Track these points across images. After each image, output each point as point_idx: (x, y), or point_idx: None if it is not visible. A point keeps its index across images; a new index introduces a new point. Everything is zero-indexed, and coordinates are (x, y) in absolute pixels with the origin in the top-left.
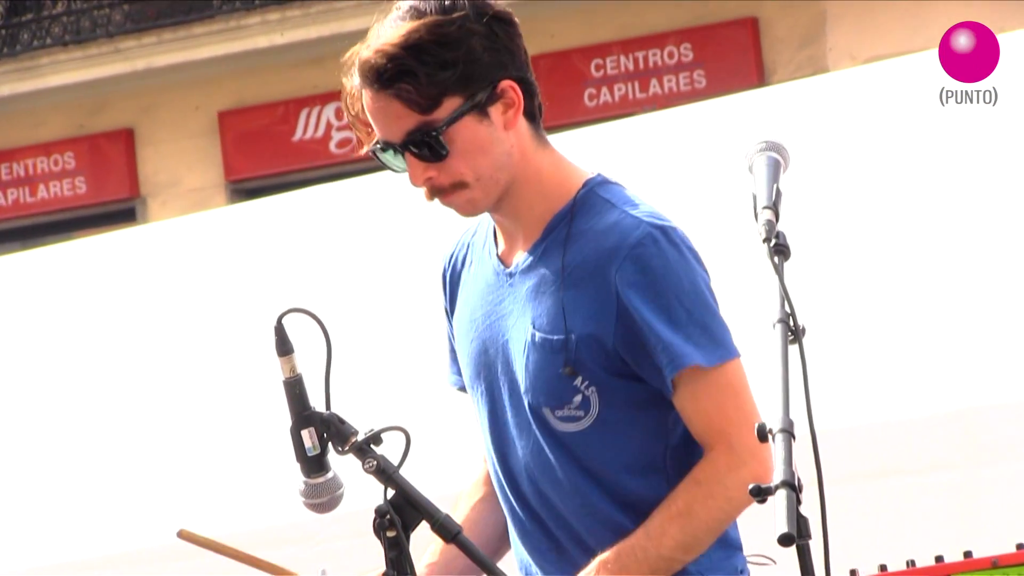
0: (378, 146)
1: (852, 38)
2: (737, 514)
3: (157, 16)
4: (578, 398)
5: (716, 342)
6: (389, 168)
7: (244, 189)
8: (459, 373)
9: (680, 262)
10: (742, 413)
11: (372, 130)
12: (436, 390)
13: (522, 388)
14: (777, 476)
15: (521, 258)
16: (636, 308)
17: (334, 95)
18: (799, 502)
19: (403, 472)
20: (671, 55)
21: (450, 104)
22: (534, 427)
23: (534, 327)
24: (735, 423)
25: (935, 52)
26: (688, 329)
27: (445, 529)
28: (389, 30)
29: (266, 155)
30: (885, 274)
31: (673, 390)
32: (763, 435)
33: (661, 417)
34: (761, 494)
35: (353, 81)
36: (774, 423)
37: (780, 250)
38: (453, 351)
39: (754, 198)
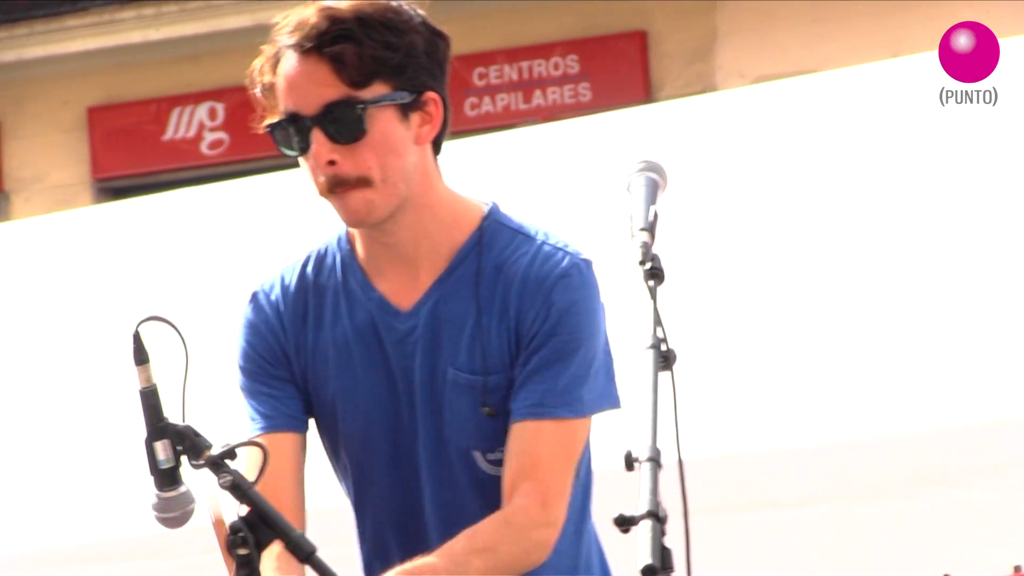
0: (284, 118)
1: (742, 56)
2: (522, 571)
3: (29, 7)
4: None
5: (592, 394)
6: (283, 148)
7: (111, 188)
8: (267, 418)
9: (595, 301)
10: (565, 476)
11: (275, 106)
12: None
13: (446, 432)
14: (642, 506)
15: (423, 296)
16: (546, 336)
17: (208, 94)
18: (664, 533)
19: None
20: (556, 66)
21: (379, 88)
22: (457, 471)
23: (455, 368)
24: (557, 483)
25: (829, 73)
26: (582, 371)
27: (299, 548)
28: (335, 2)
29: (135, 153)
30: (760, 298)
31: (518, 419)
32: (630, 463)
33: (581, 459)
34: (625, 524)
35: (281, 44)
36: (641, 451)
37: (654, 273)
38: (260, 397)
39: (631, 219)
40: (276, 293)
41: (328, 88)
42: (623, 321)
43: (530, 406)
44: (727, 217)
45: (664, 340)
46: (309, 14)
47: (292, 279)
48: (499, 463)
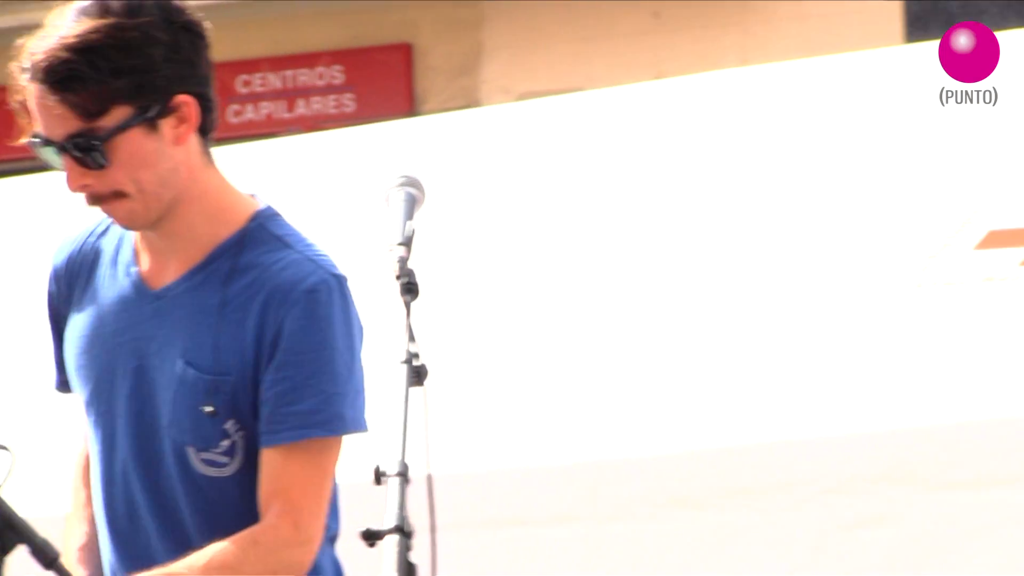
0: (38, 140)
1: (507, 72)
2: None
3: None
4: (226, 443)
5: (351, 411)
6: (47, 163)
7: None
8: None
9: (346, 318)
10: (320, 496)
11: (31, 122)
12: (43, 407)
13: (163, 422)
14: (389, 520)
15: (173, 282)
16: (292, 353)
17: None
18: (410, 548)
19: (2, 493)
20: (321, 76)
21: (118, 113)
22: (169, 464)
23: (185, 361)
24: (311, 503)
25: (593, 92)
26: (335, 389)
27: (43, 554)
28: (68, 25)
29: None
30: (514, 315)
31: (269, 444)
32: (378, 478)
33: None
34: (371, 538)
35: (23, 68)
36: (390, 466)
37: (409, 288)
38: (62, 355)
39: (388, 233)
40: (69, 250)
41: (66, 121)
42: (378, 335)
43: (278, 430)
44: (485, 234)
45: (417, 355)
46: (36, 48)
47: (83, 239)
48: (212, 464)
